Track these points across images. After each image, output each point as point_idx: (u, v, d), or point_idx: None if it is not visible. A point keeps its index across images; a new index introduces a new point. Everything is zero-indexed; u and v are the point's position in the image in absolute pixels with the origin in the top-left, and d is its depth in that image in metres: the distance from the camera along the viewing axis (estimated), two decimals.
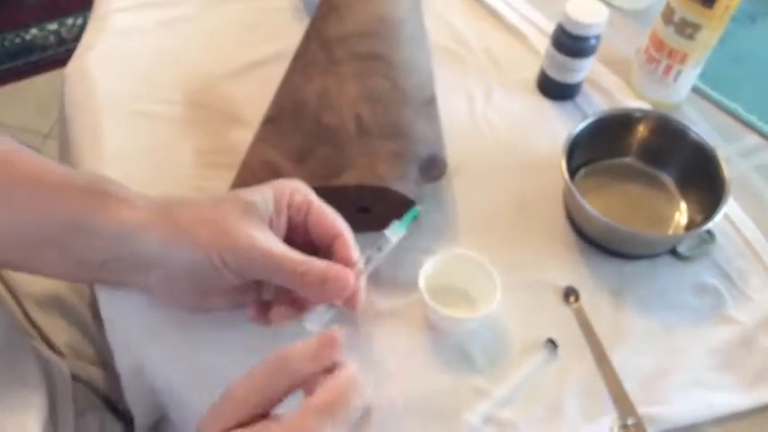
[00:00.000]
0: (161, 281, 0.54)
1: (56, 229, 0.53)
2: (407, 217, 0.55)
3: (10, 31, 1.79)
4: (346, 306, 0.54)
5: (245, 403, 0.42)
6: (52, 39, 1.81)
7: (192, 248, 0.52)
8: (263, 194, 0.54)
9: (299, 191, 0.56)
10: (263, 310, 0.56)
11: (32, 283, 0.70)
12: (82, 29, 1.83)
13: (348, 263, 0.53)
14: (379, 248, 0.55)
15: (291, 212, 0.55)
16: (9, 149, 0.55)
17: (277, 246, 0.52)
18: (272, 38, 0.80)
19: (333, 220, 0.55)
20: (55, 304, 0.71)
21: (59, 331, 0.69)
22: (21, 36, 1.79)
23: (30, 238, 0.54)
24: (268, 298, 0.57)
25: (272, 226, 0.54)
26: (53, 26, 1.81)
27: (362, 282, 0.54)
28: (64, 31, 1.82)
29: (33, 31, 1.80)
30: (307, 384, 0.43)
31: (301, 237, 0.56)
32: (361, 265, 0.54)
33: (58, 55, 1.81)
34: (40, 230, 0.53)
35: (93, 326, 0.62)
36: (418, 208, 0.56)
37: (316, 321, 0.52)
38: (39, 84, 1.74)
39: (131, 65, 0.77)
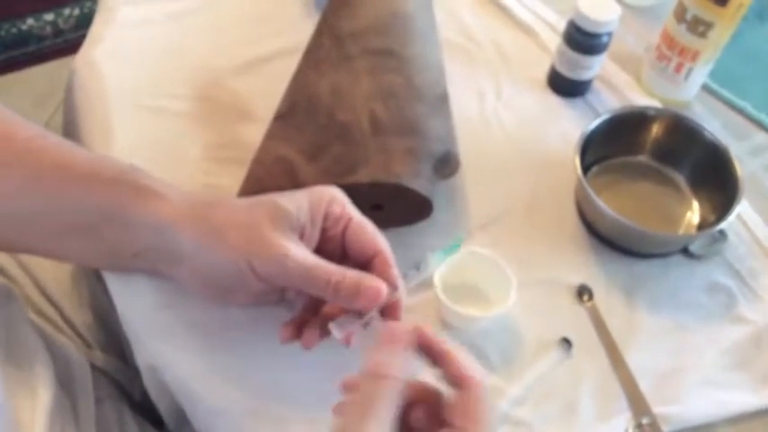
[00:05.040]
0: (188, 272, 0.54)
1: (89, 217, 0.53)
2: (453, 247, 0.56)
3: (6, 21, 1.76)
4: (387, 318, 0.53)
5: None
6: (49, 29, 1.79)
7: (222, 250, 0.52)
8: (299, 203, 0.53)
9: (337, 201, 0.54)
10: (295, 332, 0.55)
11: (51, 265, 0.69)
12: (79, 19, 1.82)
13: (389, 281, 0.52)
14: (417, 268, 0.55)
15: (327, 224, 0.54)
16: (33, 135, 0.54)
17: (309, 256, 0.52)
18: (281, 32, 0.79)
19: (374, 237, 0.54)
20: (74, 286, 0.71)
21: (78, 313, 0.69)
22: (17, 26, 1.77)
23: (61, 227, 0.54)
24: (290, 298, 0.57)
25: (303, 235, 0.53)
26: (49, 16, 1.79)
27: (403, 297, 0.54)
28: (60, 22, 1.80)
29: (29, 21, 1.78)
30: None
31: (334, 248, 0.55)
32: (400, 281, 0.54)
33: (55, 45, 1.78)
34: (72, 219, 0.53)
35: (110, 312, 0.62)
36: (463, 235, 0.55)
37: (342, 327, 0.52)
38: (35, 74, 1.72)
39: (139, 58, 0.76)
